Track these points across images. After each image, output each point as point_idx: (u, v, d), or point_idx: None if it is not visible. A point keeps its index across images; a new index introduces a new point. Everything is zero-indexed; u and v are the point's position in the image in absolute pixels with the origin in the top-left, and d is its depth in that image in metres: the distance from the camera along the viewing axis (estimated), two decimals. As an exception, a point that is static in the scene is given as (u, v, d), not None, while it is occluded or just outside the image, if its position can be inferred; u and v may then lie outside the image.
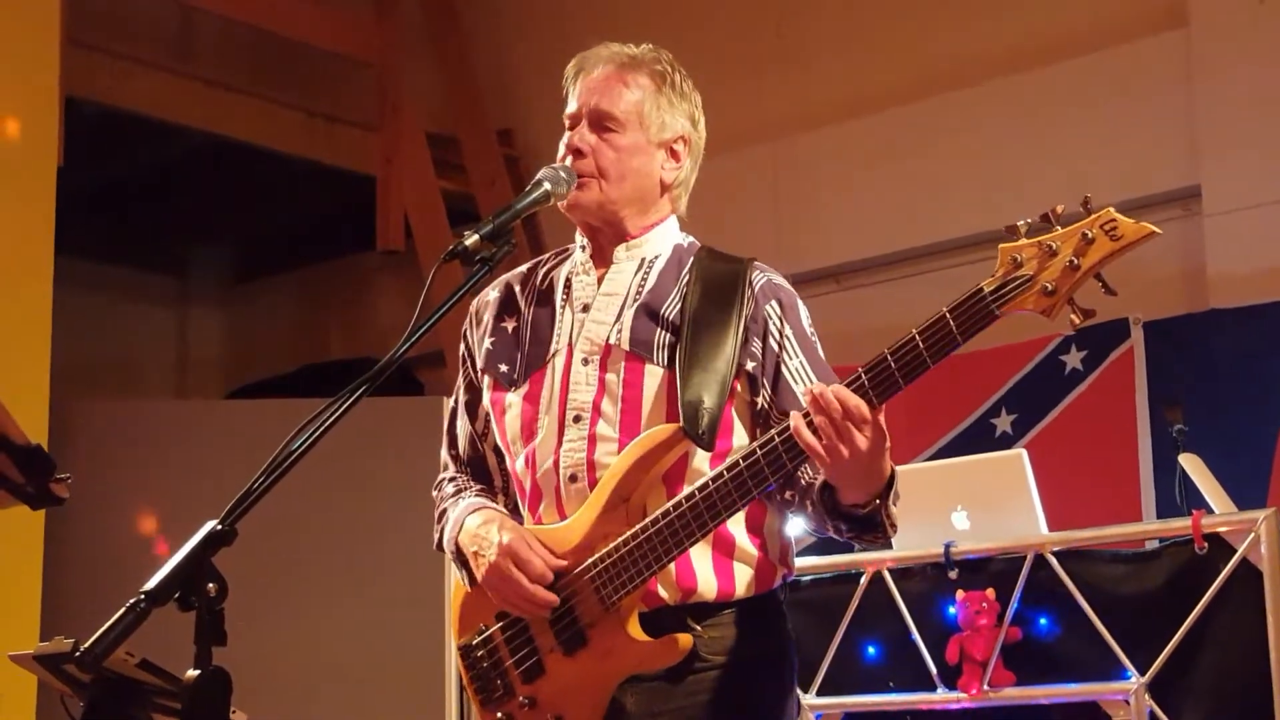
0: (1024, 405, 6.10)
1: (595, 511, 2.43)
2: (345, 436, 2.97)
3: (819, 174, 7.03)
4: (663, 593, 2.41)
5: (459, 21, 8.48)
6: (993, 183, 6.49)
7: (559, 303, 2.64)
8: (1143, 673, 3.78)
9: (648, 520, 2.36)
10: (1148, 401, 5.81)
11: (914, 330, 2.19)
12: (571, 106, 2.63)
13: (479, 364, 2.70)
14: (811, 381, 2.41)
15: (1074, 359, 6.04)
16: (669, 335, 2.48)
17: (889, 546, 4.35)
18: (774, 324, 2.49)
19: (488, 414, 2.68)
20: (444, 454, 2.81)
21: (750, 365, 2.46)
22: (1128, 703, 3.79)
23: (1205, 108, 6.08)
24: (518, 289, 2.72)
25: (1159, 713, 3.76)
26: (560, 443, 2.51)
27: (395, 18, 8.14)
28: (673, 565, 2.39)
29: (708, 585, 2.42)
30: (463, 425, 2.75)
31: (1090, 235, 2.13)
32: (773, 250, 6.42)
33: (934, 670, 4.08)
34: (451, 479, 2.75)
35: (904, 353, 2.20)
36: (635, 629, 2.39)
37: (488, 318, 2.72)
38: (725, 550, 2.45)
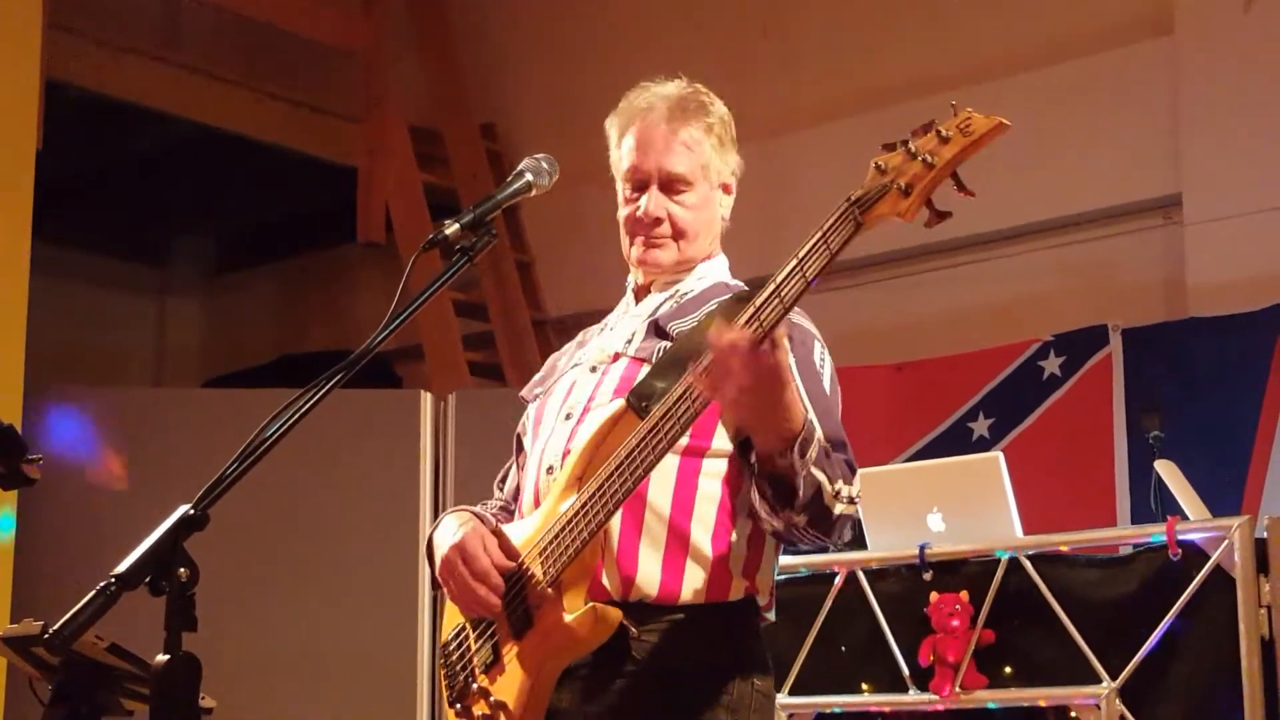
0: (1002, 409, 6.12)
1: (555, 496, 2.44)
2: (322, 427, 2.98)
3: (804, 175, 7.03)
4: (606, 583, 2.39)
5: (444, 16, 8.48)
6: (975, 187, 6.49)
7: (597, 333, 2.71)
8: (1114, 678, 3.79)
9: (583, 490, 2.36)
10: (1125, 408, 5.83)
11: (792, 255, 2.18)
12: (628, 161, 2.62)
13: (525, 390, 2.77)
14: (805, 401, 2.36)
15: (1052, 364, 6.06)
16: (669, 345, 2.51)
17: (862, 546, 4.36)
18: None
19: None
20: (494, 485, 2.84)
21: None
22: (1099, 707, 3.80)
23: (1189, 116, 6.10)
24: (585, 334, 2.78)
25: (1130, 718, 3.77)
26: (549, 440, 2.54)
27: (381, 10, 8.14)
28: (617, 553, 2.38)
29: (648, 579, 2.39)
30: (515, 455, 2.76)
31: (945, 134, 2.16)
32: (756, 251, 6.41)
33: (906, 672, 4.08)
34: (482, 504, 2.78)
35: (788, 276, 2.18)
36: (571, 603, 2.36)
37: (551, 360, 2.80)
38: (679, 545, 2.41)
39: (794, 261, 2.18)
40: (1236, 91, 6.00)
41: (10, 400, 5.59)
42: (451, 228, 2.36)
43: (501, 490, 2.78)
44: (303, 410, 2.13)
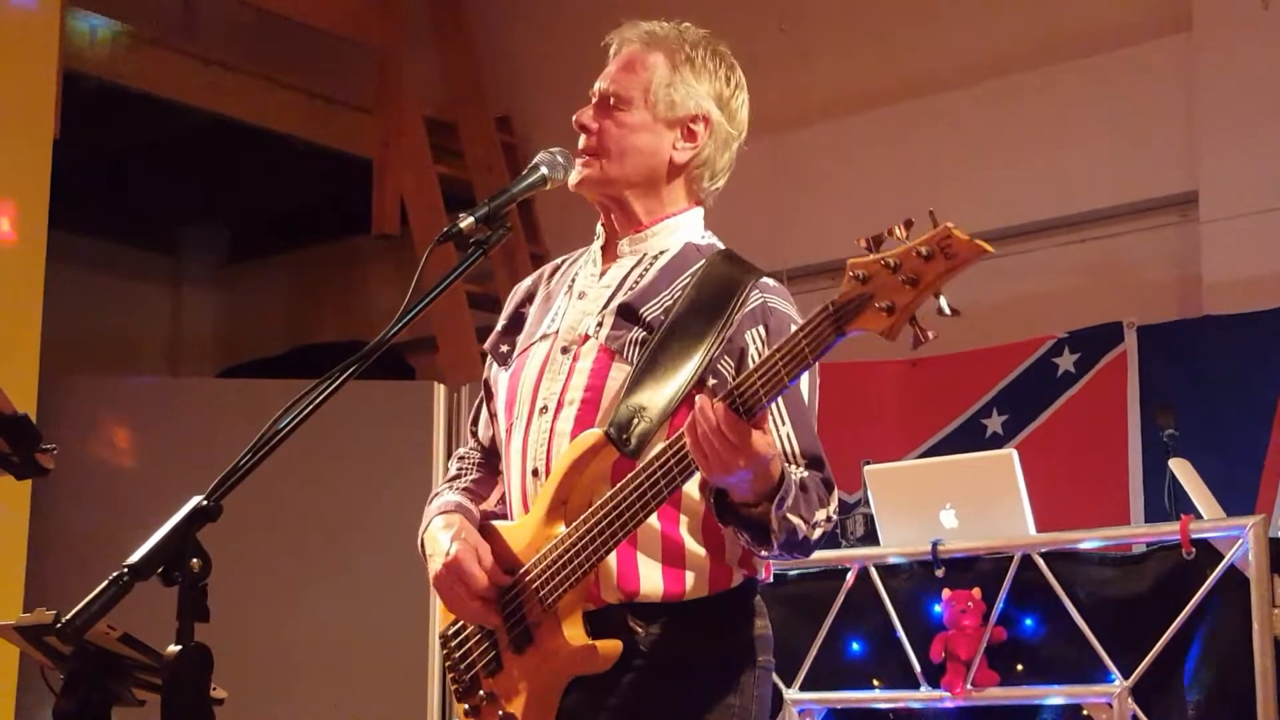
0: (1015, 406, 6.10)
1: (541, 512, 2.41)
2: (335, 419, 2.98)
3: (817, 169, 7.03)
4: (605, 594, 2.38)
5: (460, 7, 8.47)
6: (990, 183, 6.49)
7: (564, 290, 2.61)
8: (1126, 676, 3.79)
9: (575, 523, 2.34)
10: (1139, 406, 5.81)
11: (774, 349, 2.13)
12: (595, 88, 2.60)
13: (488, 343, 2.70)
14: (782, 414, 2.36)
15: (1066, 361, 6.04)
16: (644, 334, 2.43)
17: (875, 542, 4.35)
18: (753, 349, 2.41)
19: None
20: (467, 429, 2.79)
21: (713, 382, 2.39)
22: (1111, 706, 3.79)
23: (1205, 113, 6.08)
24: (546, 274, 2.70)
25: (1141, 717, 3.77)
26: (527, 434, 2.49)
27: (397, 1, 8.13)
28: (615, 568, 2.37)
29: (652, 587, 2.38)
30: (485, 403, 2.73)
31: (925, 252, 2.01)
32: (769, 245, 6.41)
33: (918, 668, 4.08)
34: (461, 457, 2.74)
35: (766, 372, 2.12)
36: (572, 631, 2.35)
37: (514, 302, 2.71)
38: (673, 554, 2.40)
39: (777, 356, 2.12)
40: (1254, 89, 5.98)
41: (25, 389, 5.60)
42: (466, 221, 2.35)
43: (476, 435, 2.74)
44: (316, 401, 2.13)
